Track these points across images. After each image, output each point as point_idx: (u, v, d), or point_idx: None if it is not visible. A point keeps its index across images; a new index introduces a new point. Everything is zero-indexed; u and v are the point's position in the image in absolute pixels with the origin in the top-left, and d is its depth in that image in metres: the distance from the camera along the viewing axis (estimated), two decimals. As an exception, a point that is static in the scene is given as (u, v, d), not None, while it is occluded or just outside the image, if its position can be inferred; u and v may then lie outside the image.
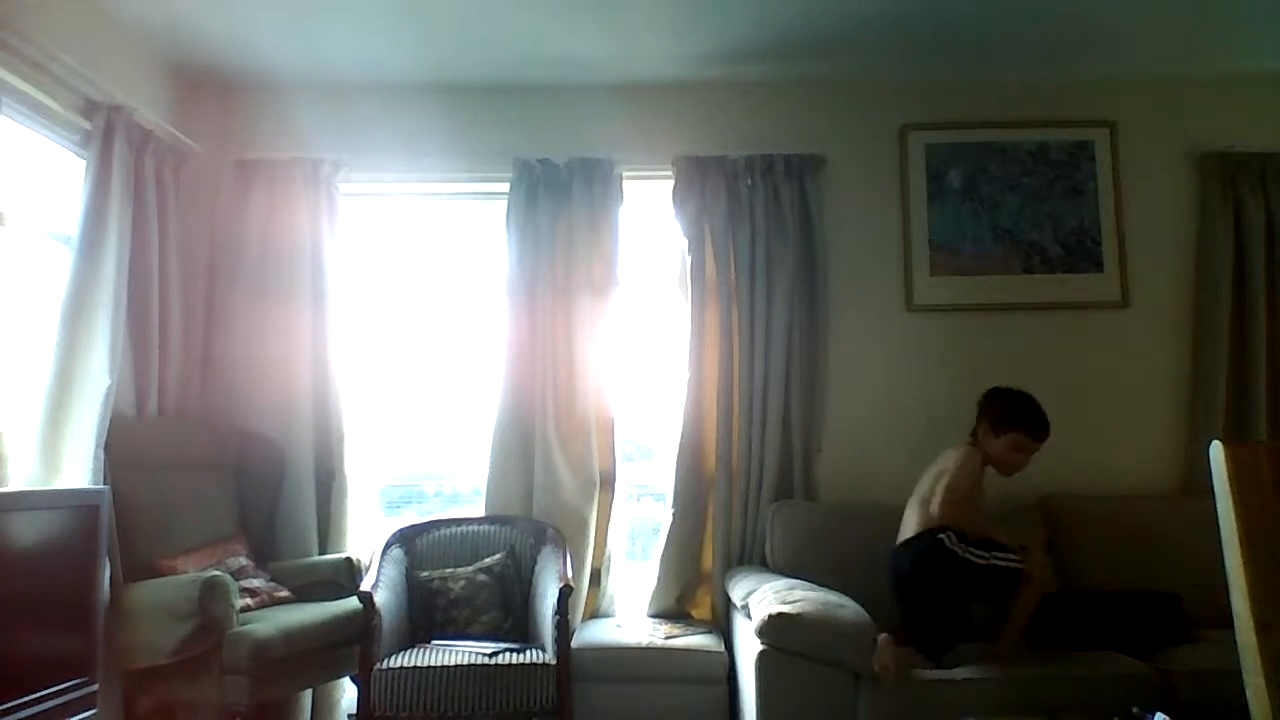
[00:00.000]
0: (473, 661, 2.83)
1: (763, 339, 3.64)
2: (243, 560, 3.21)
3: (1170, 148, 3.84)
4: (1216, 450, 1.87)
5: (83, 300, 2.96)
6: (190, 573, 2.88)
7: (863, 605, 2.78)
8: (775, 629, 2.60)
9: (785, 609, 2.62)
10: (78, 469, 2.84)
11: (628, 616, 3.62)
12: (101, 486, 2.78)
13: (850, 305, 3.76)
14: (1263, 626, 1.75)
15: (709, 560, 3.61)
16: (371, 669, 2.82)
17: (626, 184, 3.79)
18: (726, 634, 3.33)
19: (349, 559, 3.37)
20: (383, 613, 2.94)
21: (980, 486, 2.98)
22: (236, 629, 2.72)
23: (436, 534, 3.47)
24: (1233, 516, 1.81)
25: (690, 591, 3.65)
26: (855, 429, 3.69)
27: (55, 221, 3.12)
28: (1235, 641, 1.82)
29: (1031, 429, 2.95)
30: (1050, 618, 2.86)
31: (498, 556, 3.36)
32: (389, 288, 4.01)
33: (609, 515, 3.66)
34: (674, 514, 3.60)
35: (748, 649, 2.78)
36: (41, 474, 2.82)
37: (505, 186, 3.75)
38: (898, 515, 3.11)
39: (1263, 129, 3.79)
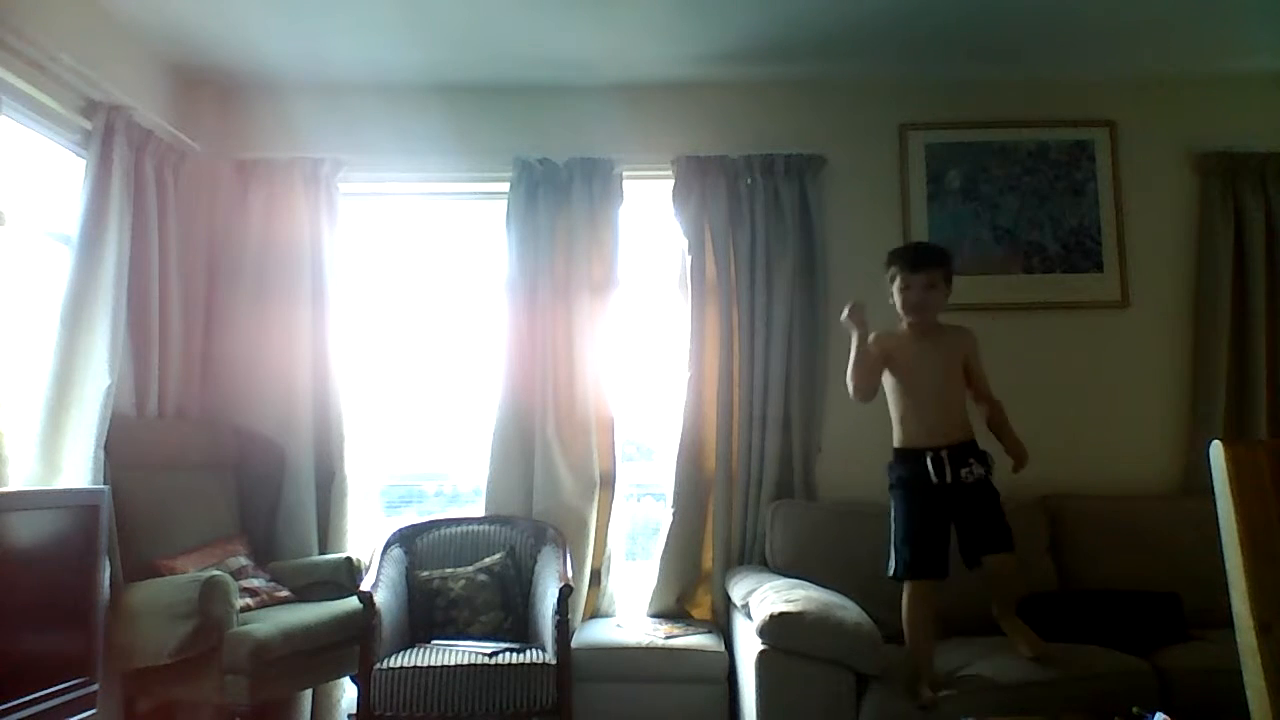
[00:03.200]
0: (473, 661, 2.83)
1: (763, 339, 3.64)
2: (243, 560, 3.21)
3: (1170, 148, 3.83)
4: (1216, 450, 1.86)
5: (83, 300, 2.96)
6: (190, 573, 2.88)
7: (863, 605, 2.78)
8: (777, 628, 2.59)
9: (787, 608, 2.62)
10: (78, 469, 2.83)
11: (628, 616, 3.62)
12: (101, 486, 2.77)
13: (850, 305, 3.76)
14: (1263, 627, 1.75)
15: (709, 560, 3.61)
16: (371, 669, 2.81)
17: (626, 184, 3.79)
18: (726, 634, 3.33)
19: (349, 559, 3.37)
20: (383, 613, 2.94)
21: (894, 356, 2.87)
22: (236, 629, 2.71)
23: (436, 534, 3.47)
24: (1233, 516, 1.81)
25: (690, 591, 3.65)
26: (855, 429, 3.68)
27: (55, 221, 3.12)
28: (1235, 641, 1.82)
29: (904, 263, 2.85)
30: (1050, 617, 2.87)
31: (498, 556, 3.36)
32: (389, 288, 4.01)
33: (609, 515, 3.65)
34: (674, 514, 3.60)
35: (748, 649, 2.78)
36: (41, 474, 2.82)
37: (505, 186, 3.75)
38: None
39: (1263, 129, 3.78)
